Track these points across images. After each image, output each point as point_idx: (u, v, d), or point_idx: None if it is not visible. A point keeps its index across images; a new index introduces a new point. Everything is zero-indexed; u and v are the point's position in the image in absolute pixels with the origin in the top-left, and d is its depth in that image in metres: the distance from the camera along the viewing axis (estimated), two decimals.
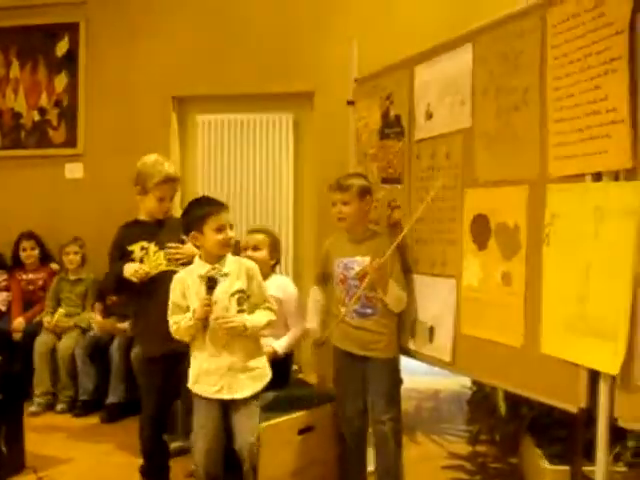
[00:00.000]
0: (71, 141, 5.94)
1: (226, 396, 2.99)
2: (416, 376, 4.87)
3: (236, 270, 3.03)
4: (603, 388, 2.31)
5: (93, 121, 5.89)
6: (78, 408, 4.93)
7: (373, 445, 3.38)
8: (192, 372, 3.05)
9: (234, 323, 2.92)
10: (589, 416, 2.39)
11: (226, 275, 2.99)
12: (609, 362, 2.26)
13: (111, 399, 4.84)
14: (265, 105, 5.67)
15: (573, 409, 2.45)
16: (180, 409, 3.68)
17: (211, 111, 5.77)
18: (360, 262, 3.22)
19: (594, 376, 2.36)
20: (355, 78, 3.98)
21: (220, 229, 2.97)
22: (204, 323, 2.91)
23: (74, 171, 5.92)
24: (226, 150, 5.73)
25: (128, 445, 4.14)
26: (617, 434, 2.59)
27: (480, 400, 4.40)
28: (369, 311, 3.26)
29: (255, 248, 3.76)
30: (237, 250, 3.54)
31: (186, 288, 3.01)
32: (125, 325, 4.99)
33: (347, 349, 3.33)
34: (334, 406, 3.51)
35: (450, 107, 3.15)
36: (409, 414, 4.90)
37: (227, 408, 3.03)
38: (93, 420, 4.79)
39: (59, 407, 5.01)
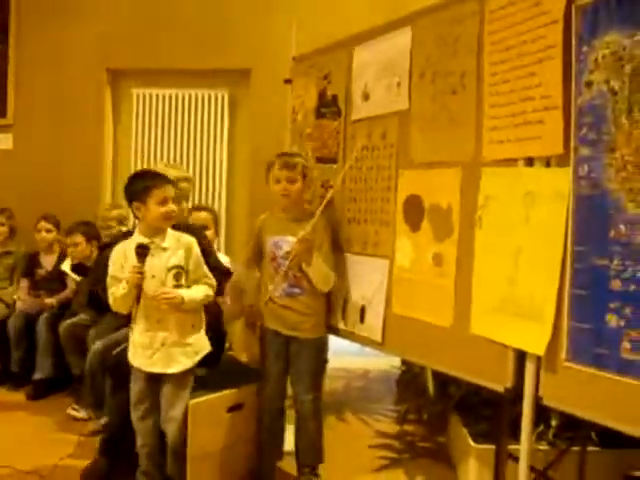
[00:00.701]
0: (0, 111, 5.78)
1: (159, 370, 3.00)
2: (346, 356, 4.92)
3: (174, 245, 3.02)
4: (529, 368, 2.37)
5: (24, 91, 5.74)
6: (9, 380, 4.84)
7: (293, 424, 3.40)
8: (130, 345, 3.06)
9: (170, 294, 2.91)
10: (515, 395, 2.45)
11: (164, 250, 2.99)
12: (536, 343, 2.31)
13: (38, 375, 4.72)
14: (201, 81, 5.61)
15: (500, 388, 2.51)
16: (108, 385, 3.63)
17: (146, 85, 5.68)
18: (291, 242, 3.19)
19: (521, 356, 2.42)
20: (293, 56, 3.96)
21: (164, 202, 2.96)
22: (137, 293, 2.89)
23: (3, 142, 5.77)
24: (160, 125, 5.66)
25: (56, 422, 4.09)
26: (542, 414, 2.66)
27: (409, 380, 4.47)
28: (297, 291, 3.26)
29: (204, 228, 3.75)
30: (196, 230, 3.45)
31: (124, 261, 2.98)
32: (53, 300, 4.92)
33: (274, 328, 3.32)
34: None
35: (387, 89, 3.17)
36: (338, 393, 4.94)
37: (160, 382, 3.04)
38: (19, 397, 4.67)
39: None
